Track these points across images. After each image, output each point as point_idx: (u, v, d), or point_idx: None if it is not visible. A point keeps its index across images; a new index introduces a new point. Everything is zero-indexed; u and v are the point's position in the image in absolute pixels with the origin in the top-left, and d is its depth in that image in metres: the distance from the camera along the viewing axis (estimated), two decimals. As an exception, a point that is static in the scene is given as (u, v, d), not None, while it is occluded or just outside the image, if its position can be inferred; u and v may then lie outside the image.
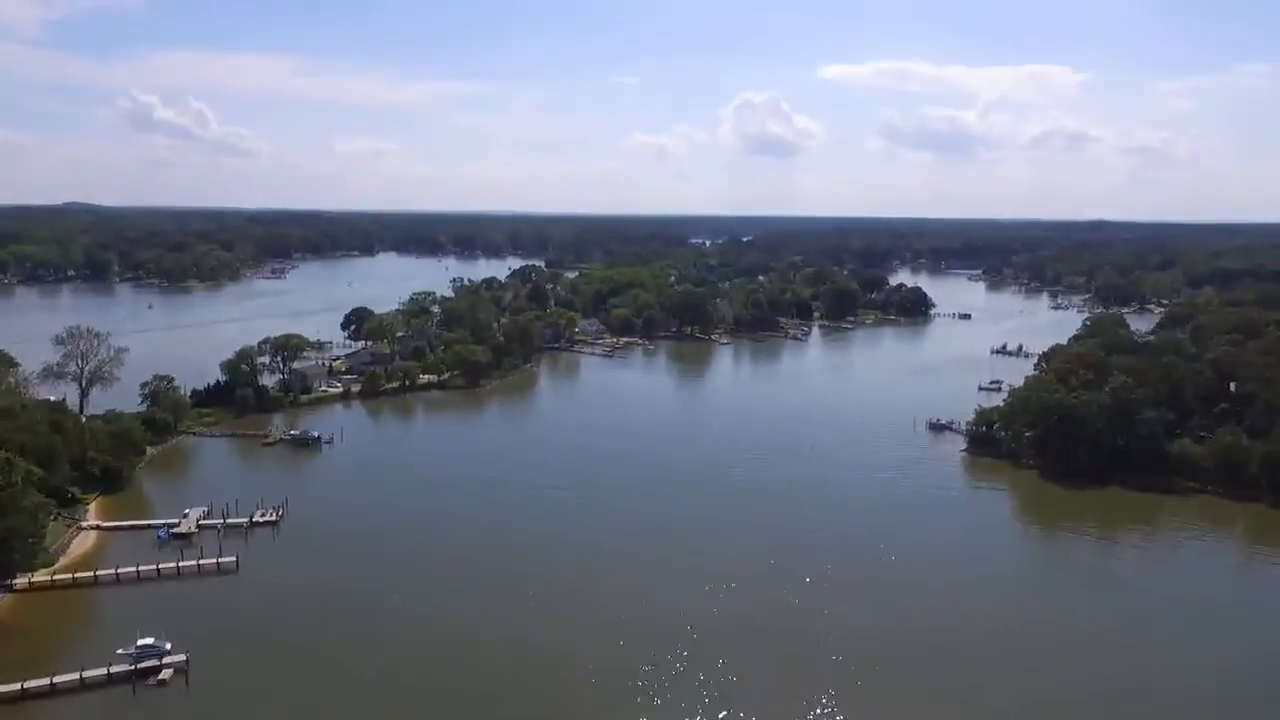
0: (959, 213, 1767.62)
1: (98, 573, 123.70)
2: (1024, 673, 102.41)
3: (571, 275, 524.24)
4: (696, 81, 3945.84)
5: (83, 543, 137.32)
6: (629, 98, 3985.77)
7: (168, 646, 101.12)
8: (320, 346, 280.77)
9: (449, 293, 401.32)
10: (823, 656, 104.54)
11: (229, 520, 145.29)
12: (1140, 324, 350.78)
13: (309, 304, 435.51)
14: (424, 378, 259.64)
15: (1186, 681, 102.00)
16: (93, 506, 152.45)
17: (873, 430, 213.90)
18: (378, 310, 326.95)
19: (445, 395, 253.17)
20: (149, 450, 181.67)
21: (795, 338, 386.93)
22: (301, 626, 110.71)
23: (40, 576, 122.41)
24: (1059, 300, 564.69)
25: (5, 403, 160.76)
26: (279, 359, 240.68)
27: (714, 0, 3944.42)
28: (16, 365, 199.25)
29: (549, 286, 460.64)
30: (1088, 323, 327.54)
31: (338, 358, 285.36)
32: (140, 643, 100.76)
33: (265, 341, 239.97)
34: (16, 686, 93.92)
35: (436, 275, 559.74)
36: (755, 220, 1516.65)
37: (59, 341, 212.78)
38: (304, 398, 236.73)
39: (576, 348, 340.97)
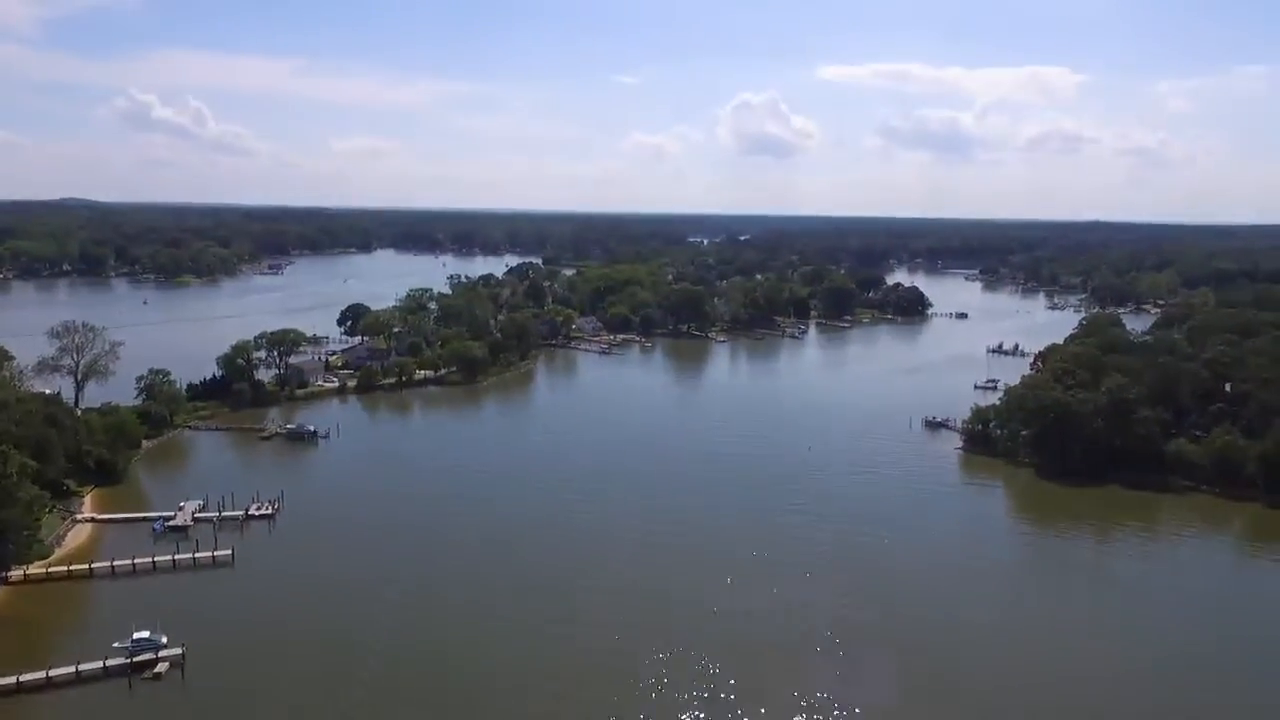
0: (956, 213, 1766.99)
1: (93, 565, 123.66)
2: (1021, 668, 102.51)
3: (569, 273, 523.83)
4: (695, 82, 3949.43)
5: (78, 535, 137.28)
6: (628, 98, 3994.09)
7: (163, 639, 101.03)
8: (317, 341, 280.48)
9: (446, 290, 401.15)
10: (821, 649, 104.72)
11: (225, 513, 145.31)
12: (1136, 324, 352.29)
13: (305, 300, 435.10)
14: (420, 373, 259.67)
15: (1183, 677, 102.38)
16: (88, 499, 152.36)
17: (869, 428, 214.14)
18: (374, 307, 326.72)
19: (442, 391, 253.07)
20: (145, 443, 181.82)
21: (792, 336, 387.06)
22: (297, 619, 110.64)
23: (35, 569, 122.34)
24: (1055, 300, 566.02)
25: (0, 396, 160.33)
26: (275, 354, 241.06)
27: (713, 1, 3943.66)
28: (12, 359, 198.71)
29: (546, 284, 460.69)
30: (1084, 322, 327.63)
31: (334, 353, 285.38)
32: (136, 636, 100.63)
33: (261, 336, 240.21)
34: (12, 680, 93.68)
35: (434, 272, 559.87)
36: (753, 219, 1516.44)
37: (54, 335, 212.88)
38: (300, 392, 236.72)
39: (574, 345, 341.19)
